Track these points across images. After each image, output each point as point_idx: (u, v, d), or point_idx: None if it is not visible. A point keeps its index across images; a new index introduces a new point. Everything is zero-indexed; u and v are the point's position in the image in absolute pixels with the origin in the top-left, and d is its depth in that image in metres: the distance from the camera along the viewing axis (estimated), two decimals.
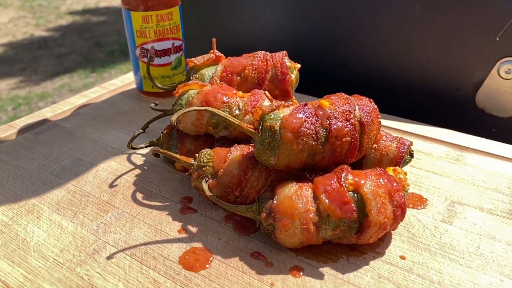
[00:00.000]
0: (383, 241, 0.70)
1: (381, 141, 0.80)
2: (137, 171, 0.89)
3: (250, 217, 0.70)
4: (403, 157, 0.79)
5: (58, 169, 0.90)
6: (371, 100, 0.77)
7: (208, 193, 0.70)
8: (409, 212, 0.77)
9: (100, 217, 0.76)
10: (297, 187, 0.66)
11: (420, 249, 0.69)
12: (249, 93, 0.82)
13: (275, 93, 0.89)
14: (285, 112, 0.68)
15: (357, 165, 0.81)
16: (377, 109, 0.76)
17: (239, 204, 0.74)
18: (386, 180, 0.67)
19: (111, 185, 0.85)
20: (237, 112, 0.79)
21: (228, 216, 0.76)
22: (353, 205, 0.64)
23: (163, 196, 0.81)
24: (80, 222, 0.75)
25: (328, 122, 0.68)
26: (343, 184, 0.65)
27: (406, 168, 0.88)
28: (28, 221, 0.75)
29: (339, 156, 0.69)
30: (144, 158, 0.93)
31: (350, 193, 0.65)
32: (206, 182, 0.73)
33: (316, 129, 0.67)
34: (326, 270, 0.65)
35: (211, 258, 0.67)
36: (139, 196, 0.82)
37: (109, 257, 0.68)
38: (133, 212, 0.77)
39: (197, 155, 0.77)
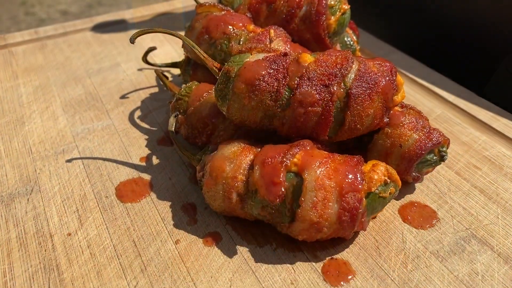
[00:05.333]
0: (335, 246, 0.61)
1: (400, 125, 0.66)
2: (154, 92, 0.93)
3: (194, 165, 0.68)
4: (421, 156, 0.64)
5: (95, 69, 1.01)
6: (393, 69, 0.63)
7: (170, 127, 0.70)
8: (402, 226, 0.63)
9: (91, 123, 0.84)
10: (239, 148, 0.61)
11: (372, 276, 0.57)
12: (264, 29, 0.75)
13: (306, 37, 0.79)
14: (253, 58, 0.61)
15: (361, 150, 0.69)
16: (392, 84, 0.61)
17: None
18: (345, 173, 0.56)
19: (123, 97, 0.91)
20: (235, 45, 0.74)
21: None
22: (283, 189, 0.56)
23: (155, 122, 0.84)
24: (72, 122, 0.84)
25: (297, 82, 0.59)
26: (285, 162, 0.57)
27: (441, 170, 0.71)
28: (37, 108, 0.88)
29: (302, 127, 0.60)
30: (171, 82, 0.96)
31: (291, 174, 0.57)
32: (175, 116, 0.72)
33: (278, 87, 0.59)
34: (241, 251, 0.60)
35: (146, 195, 0.69)
36: (136, 115, 0.86)
37: (68, 161, 0.75)
38: (120, 127, 0.83)
39: (183, 85, 0.77)
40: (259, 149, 0.61)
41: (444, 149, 0.65)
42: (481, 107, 0.84)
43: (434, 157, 0.65)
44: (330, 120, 0.59)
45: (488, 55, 0.97)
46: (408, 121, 0.65)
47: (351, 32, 0.89)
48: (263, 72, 0.59)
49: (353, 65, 0.60)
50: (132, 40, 0.64)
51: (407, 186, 0.69)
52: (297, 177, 0.56)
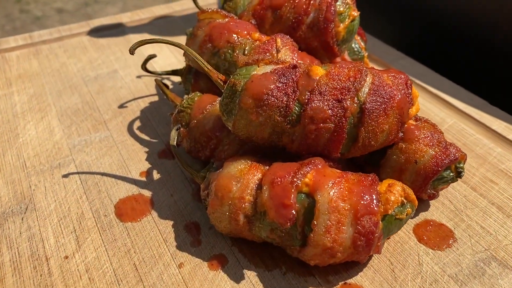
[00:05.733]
0: (349, 270, 0.58)
1: (415, 140, 0.62)
2: (154, 101, 0.89)
3: (197, 182, 0.65)
4: (437, 173, 0.61)
5: (91, 76, 0.97)
6: (408, 81, 0.59)
7: (172, 141, 0.67)
8: (417, 247, 0.60)
9: (88, 134, 0.80)
10: (246, 166, 0.57)
11: None
12: (270, 37, 0.72)
13: (313, 45, 0.75)
14: (260, 70, 0.58)
15: (373, 165, 0.65)
16: (408, 97, 0.58)
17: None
18: (360, 194, 0.53)
19: (121, 106, 0.88)
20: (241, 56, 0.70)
21: None
22: (294, 211, 0.53)
23: (156, 133, 0.81)
24: (69, 134, 0.81)
25: (307, 97, 0.55)
26: (296, 182, 0.53)
27: (456, 187, 0.68)
28: (32, 119, 0.84)
29: (313, 144, 0.57)
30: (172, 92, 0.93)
31: (302, 195, 0.53)
32: (177, 129, 0.69)
33: (288, 102, 0.55)
34: (249, 275, 0.57)
35: (146, 214, 0.66)
36: (135, 125, 0.83)
37: (65, 176, 0.72)
38: (118, 139, 0.79)
39: (185, 96, 0.73)
40: (267, 167, 0.58)
41: (461, 165, 0.62)
42: (494, 117, 0.81)
43: (451, 174, 0.62)
44: (343, 137, 0.55)
45: (501, 61, 0.94)
46: (423, 136, 0.62)
47: (358, 38, 0.86)
48: (272, 86, 0.55)
49: (367, 78, 0.57)
50: (132, 51, 0.60)
51: (421, 203, 0.66)
52: (309, 198, 0.53)
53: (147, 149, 0.77)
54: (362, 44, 0.86)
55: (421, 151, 0.61)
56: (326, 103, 0.55)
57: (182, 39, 1.08)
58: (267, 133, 0.57)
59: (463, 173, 0.62)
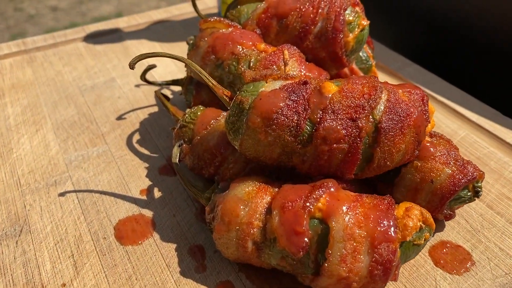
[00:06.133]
0: None
1: (431, 158, 0.59)
2: (153, 112, 0.86)
3: (202, 203, 0.61)
4: (454, 193, 0.58)
5: (88, 85, 0.93)
6: (425, 97, 0.56)
7: (174, 158, 0.64)
8: (434, 271, 0.57)
9: (85, 148, 0.77)
10: (254, 188, 0.54)
11: None
12: (276, 48, 0.69)
13: (321, 55, 0.72)
14: (269, 86, 0.55)
15: (387, 183, 0.62)
16: (425, 115, 0.55)
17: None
18: (377, 220, 0.50)
19: (120, 118, 0.84)
20: (244, 69, 0.67)
21: None
22: (306, 239, 0.49)
23: (156, 147, 0.77)
24: (65, 148, 0.77)
25: (319, 115, 0.52)
26: (308, 207, 0.50)
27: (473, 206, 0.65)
28: (26, 132, 0.81)
29: (325, 165, 0.53)
30: (170, 103, 0.89)
31: (315, 221, 0.50)
32: (180, 146, 0.65)
33: (299, 121, 0.52)
34: None
35: (148, 236, 0.62)
36: (135, 139, 0.79)
37: (61, 194, 0.69)
38: (117, 154, 0.76)
39: (188, 110, 0.70)
40: (277, 189, 0.54)
41: (479, 184, 0.59)
42: (508, 128, 0.78)
43: (468, 193, 0.59)
44: (357, 158, 0.52)
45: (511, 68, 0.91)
46: (439, 153, 0.59)
47: (366, 46, 0.83)
48: (281, 104, 0.52)
49: (382, 95, 0.54)
50: (132, 66, 0.57)
51: (436, 223, 0.62)
52: (322, 224, 0.50)
53: (147, 165, 0.74)
54: (370, 52, 0.83)
55: (437, 170, 0.58)
56: (339, 122, 0.51)
57: (181, 45, 1.05)
58: (276, 153, 0.54)
59: (481, 192, 0.59)
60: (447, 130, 0.79)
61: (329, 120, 0.51)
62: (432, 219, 0.53)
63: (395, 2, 1.13)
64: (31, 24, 3.14)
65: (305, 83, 0.54)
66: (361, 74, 0.81)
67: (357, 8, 0.71)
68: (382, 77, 0.91)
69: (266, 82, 0.55)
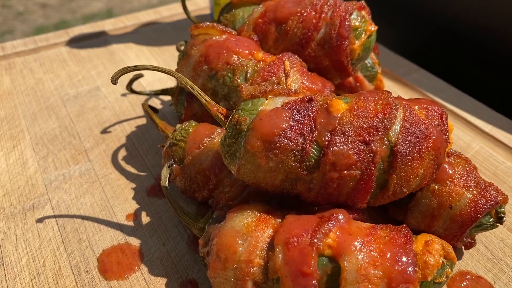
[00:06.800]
0: None
1: (449, 181, 0.53)
2: (141, 124, 0.79)
3: (194, 233, 0.55)
4: (476, 220, 0.52)
5: (71, 94, 0.86)
6: (444, 114, 0.50)
7: (163, 181, 0.57)
8: None
9: (66, 167, 0.70)
10: (254, 219, 0.48)
11: None
12: (275, 57, 0.62)
13: (325, 64, 0.66)
14: (270, 104, 0.48)
15: (401, 208, 0.56)
16: (445, 135, 0.49)
17: (208, 207, 0.60)
18: (395, 258, 0.43)
19: (104, 131, 0.78)
20: (241, 81, 0.60)
21: None
22: (314, 281, 0.43)
23: (144, 165, 0.71)
24: (44, 166, 0.70)
25: (328, 138, 0.46)
26: (316, 244, 0.44)
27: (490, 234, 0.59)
28: (2, 148, 0.74)
29: (334, 194, 0.47)
30: (160, 114, 0.82)
31: (324, 259, 0.44)
32: (169, 167, 0.59)
33: (304, 144, 0.46)
34: None
35: (135, 269, 0.56)
36: (120, 155, 0.73)
37: (39, 220, 0.62)
38: (101, 173, 0.69)
39: (178, 125, 0.63)
40: (279, 220, 0.48)
41: (503, 209, 0.53)
42: None
43: (491, 220, 0.53)
44: (371, 186, 0.46)
45: None
46: (458, 176, 0.53)
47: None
48: (284, 125, 0.46)
49: (398, 114, 0.47)
50: (114, 81, 0.50)
51: (454, 250, 0.56)
52: (332, 263, 0.44)
53: (134, 185, 0.67)
54: (375, 58, 0.77)
55: (456, 194, 0.53)
56: (350, 146, 0.45)
57: (172, 50, 0.98)
58: (278, 180, 0.48)
59: (505, 218, 0.53)
60: (460, 143, 0.74)
61: (339, 144, 0.45)
62: (453, 253, 0.48)
63: (398, 3, 1.07)
64: (20, 21, 3.05)
65: (310, 100, 0.48)
66: (367, 82, 0.75)
67: (363, 12, 0.65)
68: (387, 83, 0.85)
69: (266, 99, 0.49)
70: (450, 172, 0.54)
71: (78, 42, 1.03)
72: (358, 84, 0.74)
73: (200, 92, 0.51)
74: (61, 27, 2.86)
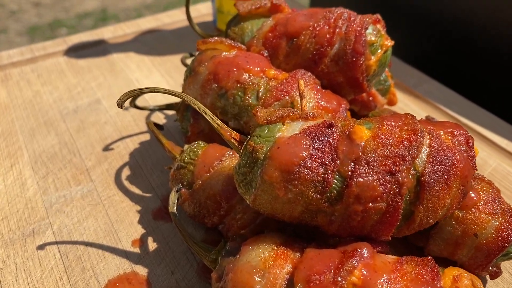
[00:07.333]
0: None
1: (474, 207, 0.51)
2: (145, 140, 0.76)
3: (206, 264, 0.52)
4: (503, 249, 0.49)
5: (70, 108, 0.83)
6: (470, 139, 0.47)
7: (171, 207, 0.54)
8: None
9: (68, 188, 0.67)
10: (271, 253, 0.45)
11: None
12: (288, 75, 0.59)
13: (338, 80, 0.63)
14: (287, 130, 0.45)
15: (422, 236, 0.54)
16: (472, 161, 0.46)
17: (220, 233, 0.57)
18: None
19: (106, 148, 0.74)
20: (252, 100, 0.57)
21: (204, 242, 0.59)
22: None
23: (149, 185, 0.68)
24: (44, 187, 0.67)
25: (351, 168, 0.43)
26: (340, 283, 0.41)
27: None
28: (0, 167, 0.71)
29: (357, 227, 0.44)
30: (164, 130, 0.79)
31: None
32: (178, 191, 0.56)
33: (325, 175, 0.43)
34: None
35: None
36: (124, 174, 0.69)
37: (40, 247, 0.59)
38: (104, 194, 0.66)
39: (186, 146, 0.60)
40: (298, 254, 0.45)
41: None
42: None
43: None
44: (397, 219, 0.43)
45: None
46: (483, 202, 0.51)
47: None
48: (304, 154, 0.43)
49: (424, 140, 0.45)
50: (120, 105, 0.47)
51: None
52: None
53: (139, 207, 0.64)
54: (388, 70, 0.74)
55: (482, 221, 0.50)
56: (376, 177, 0.42)
57: (174, 59, 0.95)
58: (297, 211, 0.45)
59: None
60: (477, 159, 0.71)
61: (364, 174, 0.42)
62: (482, 287, 0.45)
63: (404, 9, 1.04)
64: (13, 20, 3.01)
65: (331, 125, 0.45)
66: (380, 97, 0.72)
67: (378, 26, 0.62)
68: (398, 96, 0.82)
69: (283, 125, 0.46)
70: (475, 198, 0.51)
71: (76, 51, 1.00)
72: (370, 98, 0.72)
73: (212, 116, 0.48)
74: (55, 26, 2.81)
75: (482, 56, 0.91)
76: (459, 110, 0.80)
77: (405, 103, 0.82)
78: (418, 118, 0.77)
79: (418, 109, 0.81)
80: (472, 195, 0.51)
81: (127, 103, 0.83)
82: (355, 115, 0.73)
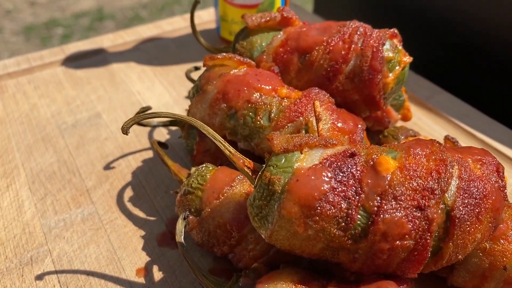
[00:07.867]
0: None
1: (503, 238, 0.47)
2: (148, 158, 0.73)
3: None
4: None
5: (69, 123, 0.79)
6: (501, 168, 0.44)
7: (178, 236, 0.51)
8: None
9: (67, 211, 0.64)
10: None
11: None
12: (301, 93, 0.56)
13: (354, 98, 0.60)
14: (306, 160, 0.42)
15: (446, 266, 0.50)
16: (503, 192, 0.43)
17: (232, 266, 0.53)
18: None
19: (107, 166, 0.71)
20: (264, 122, 0.54)
21: (212, 272, 0.56)
22: None
23: (153, 207, 0.64)
24: (43, 210, 0.64)
25: (377, 203, 0.40)
26: None
27: None
28: None
29: (383, 265, 0.41)
30: (169, 148, 0.76)
31: None
32: (185, 218, 0.53)
33: (349, 210, 0.40)
34: None
35: None
36: (127, 195, 0.66)
37: (39, 277, 0.55)
38: (106, 217, 0.63)
39: (193, 169, 0.57)
40: None
41: None
42: None
43: None
44: (426, 257, 0.40)
45: None
46: None
47: None
48: (326, 188, 0.40)
49: (453, 171, 0.41)
50: (125, 131, 0.44)
51: None
52: None
53: (143, 232, 0.61)
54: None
55: (511, 253, 0.47)
56: (404, 213, 0.39)
57: (176, 69, 0.92)
58: (318, 248, 0.42)
59: None
60: None
61: (391, 210, 0.39)
62: None
63: (411, 14, 1.01)
64: (9, 19, 2.96)
65: (353, 155, 0.42)
66: (394, 112, 0.69)
67: (395, 41, 0.59)
68: (411, 110, 0.79)
69: (301, 153, 0.43)
70: (503, 228, 0.48)
71: (74, 60, 0.96)
72: (384, 114, 0.69)
73: (223, 143, 0.45)
74: (51, 25, 2.77)
75: (495, 67, 0.88)
76: (472, 123, 0.78)
77: (418, 117, 0.79)
78: (433, 133, 0.75)
79: (432, 123, 0.78)
80: (501, 226, 0.48)
81: (128, 117, 0.79)
82: (368, 131, 0.70)
